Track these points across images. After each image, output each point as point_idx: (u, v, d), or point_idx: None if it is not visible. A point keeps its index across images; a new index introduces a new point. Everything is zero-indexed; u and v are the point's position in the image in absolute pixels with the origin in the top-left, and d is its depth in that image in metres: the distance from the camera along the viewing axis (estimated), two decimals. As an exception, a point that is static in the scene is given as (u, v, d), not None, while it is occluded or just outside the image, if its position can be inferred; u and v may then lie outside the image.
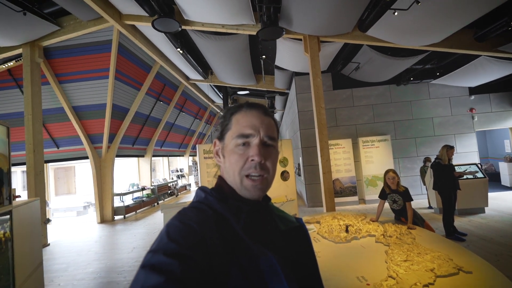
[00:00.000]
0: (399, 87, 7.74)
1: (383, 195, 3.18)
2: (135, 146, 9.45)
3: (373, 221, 2.98)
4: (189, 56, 6.86)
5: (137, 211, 8.79)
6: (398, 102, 7.74)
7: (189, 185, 14.40)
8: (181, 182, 13.90)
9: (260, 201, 0.62)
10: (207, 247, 0.45)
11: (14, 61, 6.36)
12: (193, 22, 5.17)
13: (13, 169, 7.88)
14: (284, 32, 4.62)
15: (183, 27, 5.13)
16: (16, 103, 7.07)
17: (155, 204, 9.99)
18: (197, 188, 0.63)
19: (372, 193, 7.21)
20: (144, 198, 9.43)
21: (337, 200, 6.71)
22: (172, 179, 12.86)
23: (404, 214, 2.96)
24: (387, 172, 3.14)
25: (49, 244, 5.73)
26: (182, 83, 9.84)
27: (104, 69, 6.58)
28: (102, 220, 7.72)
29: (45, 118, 7.60)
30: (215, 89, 10.90)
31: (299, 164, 8.70)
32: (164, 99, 9.67)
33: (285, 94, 10.36)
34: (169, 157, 13.82)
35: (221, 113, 0.65)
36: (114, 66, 6.47)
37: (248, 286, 0.46)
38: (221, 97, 10.94)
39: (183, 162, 15.34)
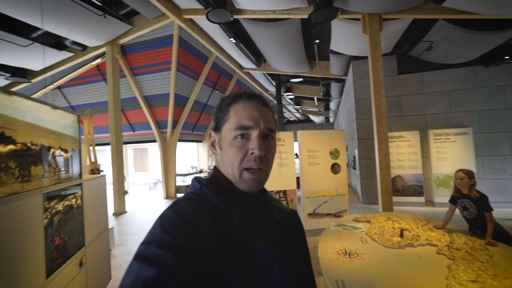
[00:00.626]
0: (488, 69, 6.30)
1: (453, 200, 2.71)
2: (194, 132, 10.29)
3: (437, 228, 2.58)
4: (241, 45, 6.96)
5: (195, 191, 9.70)
6: (486, 87, 6.33)
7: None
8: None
9: (256, 195, 0.61)
10: (201, 239, 0.45)
11: (100, 58, 7.55)
12: (244, 11, 5.18)
13: (103, 148, 9.49)
14: (339, 13, 4.22)
15: (235, 16, 5.19)
16: (104, 93, 8.43)
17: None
18: (192, 178, 0.60)
19: (444, 195, 6.23)
20: (201, 180, 10.32)
21: (397, 199, 6.06)
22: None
23: (479, 226, 2.45)
24: (456, 171, 2.65)
25: (126, 212, 6.86)
26: (236, 72, 10.12)
27: (167, 61, 7.25)
28: (167, 196, 8.79)
29: (123, 106, 8.89)
30: (268, 77, 10.88)
31: (354, 157, 8.11)
32: (219, 88, 10.15)
33: (341, 81, 9.64)
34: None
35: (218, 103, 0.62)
36: (176, 58, 7.06)
37: (243, 279, 0.45)
38: (274, 85, 10.87)
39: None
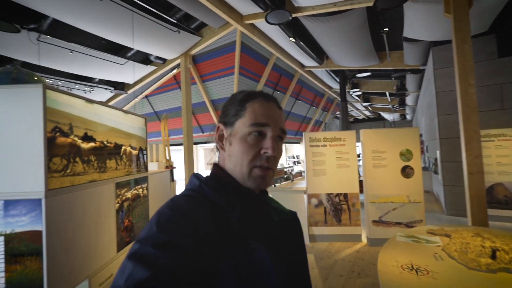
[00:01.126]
0: None
1: None
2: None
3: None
4: (302, 44, 6.86)
5: (256, 190, 10.03)
6: None
7: (304, 171, 14.76)
8: (296, 168, 14.48)
9: (258, 194, 0.60)
10: (199, 237, 0.44)
11: (176, 69, 8.64)
12: (303, 8, 5.08)
13: (179, 148, 10.72)
14: (412, -6, 3.69)
15: (294, 15, 5.15)
16: (179, 100, 9.62)
17: (273, 186, 10.99)
18: (191, 175, 0.60)
19: None
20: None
21: (496, 212, 4.91)
22: (289, 164, 13.61)
23: None
24: None
25: (195, 206, 7.66)
26: (298, 71, 10.00)
27: (230, 67, 7.75)
28: (230, 193, 9.39)
29: (194, 110, 9.94)
30: (332, 74, 10.35)
31: (436, 159, 6.92)
32: (280, 88, 10.22)
33: (419, 72, 8.35)
34: (286, 144, 14.64)
35: (232, 99, 0.63)
36: (238, 63, 7.47)
37: (240, 278, 0.44)
38: (338, 82, 10.27)
39: (299, 149, 15.85)
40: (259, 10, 5.50)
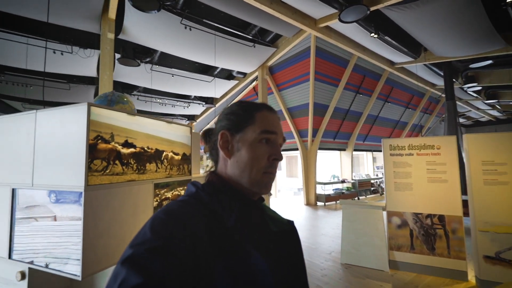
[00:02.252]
0: None
1: None
2: (336, 140, 9.99)
3: None
4: (388, 38, 6.03)
5: (336, 201, 9.31)
6: None
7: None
8: (387, 180, 12.58)
9: (255, 201, 0.62)
10: (193, 242, 0.43)
11: (255, 81, 9.23)
12: (383, -2, 4.48)
13: None
14: None
15: (372, 8, 4.62)
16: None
17: (355, 198, 9.95)
18: (188, 183, 0.62)
19: None
20: (344, 191, 9.75)
21: None
22: (377, 175, 12.03)
23: None
24: None
25: (270, 212, 7.81)
26: (386, 70, 8.83)
27: (305, 73, 7.63)
28: (307, 203, 9.08)
29: (272, 119, 10.28)
30: (434, 69, 8.57)
31: None
32: (364, 91, 9.26)
33: None
34: (373, 152, 13.02)
35: (234, 107, 0.64)
36: (313, 68, 7.28)
37: (236, 284, 0.44)
38: (443, 76, 8.39)
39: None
40: (334, 11, 5.23)
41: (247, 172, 0.57)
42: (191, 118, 13.36)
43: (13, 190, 1.19)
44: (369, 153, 13.04)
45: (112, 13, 5.00)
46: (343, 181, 9.91)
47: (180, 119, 13.31)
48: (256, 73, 8.46)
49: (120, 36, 5.82)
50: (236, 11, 5.40)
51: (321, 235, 5.34)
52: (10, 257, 1.17)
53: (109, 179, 1.14)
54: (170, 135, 1.51)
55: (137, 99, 9.60)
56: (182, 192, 1.71)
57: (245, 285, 0.45)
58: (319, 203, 9.11)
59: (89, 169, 1.04)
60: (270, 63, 7.97)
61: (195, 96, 10.42)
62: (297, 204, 9.26)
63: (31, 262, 1.15)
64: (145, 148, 1.35)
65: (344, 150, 10.77)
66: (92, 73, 7.13)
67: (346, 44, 6.64)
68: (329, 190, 9.74)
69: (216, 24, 5.80)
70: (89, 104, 1.06)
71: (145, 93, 9.21)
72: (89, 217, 1.03)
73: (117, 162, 1.19)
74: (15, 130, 1.21)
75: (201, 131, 0.68)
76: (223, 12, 5.62)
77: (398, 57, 7.59)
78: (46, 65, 6.58)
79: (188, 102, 10.42)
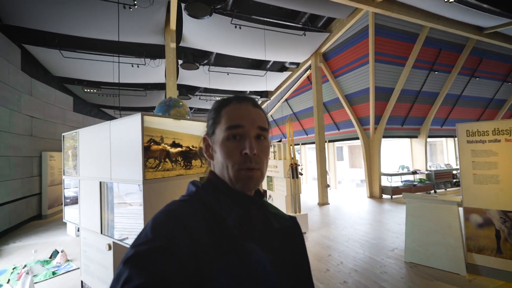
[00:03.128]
0: None
1: None
2: (404, 126, 8.88)
3: None
4: (471, 0, 4.98)
5: (407, 195, 8.34)
6: None
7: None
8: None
9: (253, 197, 0.60)
10: (194, 242, 0.44)
11: (309, 70, 8.94)
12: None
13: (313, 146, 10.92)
14: None
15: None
16: (310, 100, 9.89)
17: (431, 191, 8.71)
18: (189, 182, 0.63)
19: None
20: (415, 183, 8.65)
21: None
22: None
23: None
24: None
25: (329, 204, 7.59)
26: (471, 38, 7.31)
27: (363, 56, 6.99)
28: (371, 195, 8.44)
29: (328, 107, 9.81)
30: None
31: None
32: (440, 67, 7.88)
33: None
34: (455, 138, 11.00)
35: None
36: (373, 49, 6.60)
37: (237, 284, 0.44)
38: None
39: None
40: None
41: (225, 172, 0.56)
42: (248, 112, 13.91)
43: (100, 183, 1.59)
44: (450, 140, 11.09)
45: (173, 24, 5.62)
46: (414, 172, 8.78)
47: (238, 114, 14.02)
48: (309, 62, 8.19)
49: (181, 44, 6.50)
50: (284, 1, 5.33)
51: (384, 230, 4.95)
52: (101, 232, 1.57)
53: (162, 174, 1.39)
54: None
55: (199, 98, 10.56)
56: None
57: (247, 283, 0.45)
58: (384, 196, 8.35)
59: (145, 166, 1.30)
60: (323, 49, 7.58)
61: (250, 91, 10.79)
62: (360, 196, 8.69)
63: (114, 237, 1.52)
64: (190, 147, 1.57)
65: (416, 137, 9.47)
66: (162, 79, 8.19)
67: (413, 16, 5.77)
68: (397, 182, 8.79)
69: (264, 19, 5.85)
70: (142, 114, 1.32)
71: (205, 92, 10.05)
72: (147, 203, 1.29)
73: (167, 160, 1.43)
74: (98, 137, 1.60)
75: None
76: (271, 5, 5.63)
77: (489, 21, 6.18)
78: (127, 77, 7.89)
79: (244, 98, 10.86)
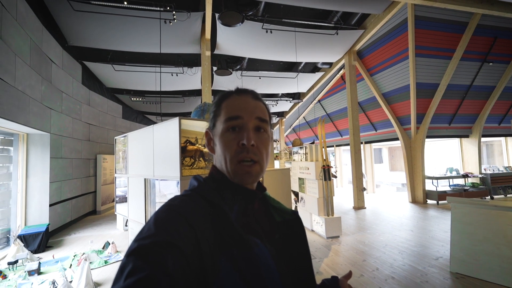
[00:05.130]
0: None
1: None
2: (452, 125, 8.08)
3: None
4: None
5: (456, 200, 7.55)
6: None
7: None
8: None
9: (254, 191, 0.60)
10: (196, 237, 0.44)
11: (342, 69, 8.69)
12: None
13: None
14: None
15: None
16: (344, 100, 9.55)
17: (486, 197, 7.76)
18: (191, 177, 0.63)
19: None
20: (467, 188, 7.79)
21: None
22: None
23: None
24: None
25: (365, 208, 7.23)
26: (535, 22, 6.42)
27: (402, 51, 6.58)
28: (413, 200, 7.82)
29: (364, 107, 9.39)
30: None
31: None
32: (495, 57, 7.04)
33: None
34: (518, 137, 9.63)
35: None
36: (413, 43, 6.18)
37: (239, 277, 0.44)
38: None
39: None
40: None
41: (224, 164, 0.57)
42: (280, 115, 13.95)
43: (145, 180, 1.82)
44: (511, 139, 9.74)
45: (208, 34, 5.97)
46: (465, 176, 7.91)
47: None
48: (343, 61, 7.96)
49: (216, 52, 6.85)
50: (315, 2, 5.32)
51: (428, 238, 4.57)
52: (145, 223, 1.78)
53: (196, 172, 1.55)
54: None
55: (233, 102, 10.91)
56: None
57: (250, 277, 0.45)
58: (429, 201, 7.67)
59: (182, 164, 1.47)
60: (357, 47, 7.32)
61: (282, 94, 10.83)
62: (400, 201, 8.12)
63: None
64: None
65: (467, 136, 8.54)
66: (198, 86, 8.70)
67: (461, 3, 5.28)
68: (444, 186, 8.02)
69: (295, 21, 5.89)
70: (179, 118, 1.49)
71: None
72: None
73: (201, 159, 1.59)
74: (144, 139, 1.84)
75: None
76: (302, 7, 5.65)
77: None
78: (167, 85, 8.54)
79: (276, 100, 10.94)
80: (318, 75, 9.19)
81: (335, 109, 11.03)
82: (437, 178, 7.59)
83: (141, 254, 0.38)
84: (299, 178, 5.62)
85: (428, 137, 7.72)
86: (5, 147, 4.83)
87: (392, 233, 4.89)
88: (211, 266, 0.43)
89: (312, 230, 5.18)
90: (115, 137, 3.01)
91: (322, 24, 6.12)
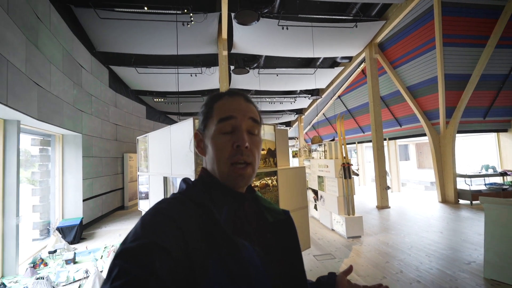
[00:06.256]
0: None
1: None
2: (487, 118, 7.47)
3: None
4: None
5: (492, 200, 6.98)
6: None
7: None
8: None
9: (244, 194, 0.60)
10: (184, 239, 0.44)
11: (363, 63, 8.36)
12: None
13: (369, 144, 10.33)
14: None
15: None
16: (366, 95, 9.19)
17: (529, 197, 7.09)
18: (181, 180, 0.64)
19: None
20: (506, 186, 7.17)
21: None
22: None
23: None
24: None
25: (389, 207, 6.94)
26: None
27: (428, 41, 6.19)
28: (444, 200, 7.36)
29: (387, 101, 8.97)
30: None
31: None
32: (538, 43, 6.38)
33: None
34: None
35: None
36: (440, 31, 5.79)
37: (228, 279, 0.44)
38: None
39: None
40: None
41: (216, 166, 0.56)
42: (299, 112, 13.74)
43: (164, 178, 1.90)
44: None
45: (224, 34, 6.04)
46: (503, 174, 7.29)
47: (289, 114, 13.97)
48: (363, 54, 7.66)
49: (233, 51, 6.91)
50: (332, -5, 5.17)
51: (459, 241, 4.28)
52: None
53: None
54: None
55: (251, 101, 10.96)
56: (270, 182, 2.00)
57: (238, 278, 0.45)
58: (461, 201, 7.17)
59: (196, 163, 1.51)
60: (379, 39, 7.00)
61: (300, 90, 10.67)
62: (429, 201, 7.67)
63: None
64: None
65: (505, 131, 7.85)
66: (216, 85, 8.84)
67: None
68: (479, 185, 7.46)
69: (312, 16, 5.76)
70: (193, 118, 1.54)
71: (256, 95, 10.38)
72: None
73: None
74: (162, 139, 1.92)
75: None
76: (319, 0, 5.52)
77: None
78: (187, 85, 8.77)
79: (294, 97, 10.81)
80: (338, 70, 8.93)
81: (356, 104, 10.66)
82: (471, 177, 7.07)
83: (128, 256, 0.39)
84: (318, 176, 5.52)
85: (459, 132, 7.21)
86: (44, 147, 5.26)
87: (418, 235, 4.65)
88: (200, 268, 0.43)
89: (332, 229, 5.08)
90: (137, 137, 3.16)
91: (340, 17, 5.93)
